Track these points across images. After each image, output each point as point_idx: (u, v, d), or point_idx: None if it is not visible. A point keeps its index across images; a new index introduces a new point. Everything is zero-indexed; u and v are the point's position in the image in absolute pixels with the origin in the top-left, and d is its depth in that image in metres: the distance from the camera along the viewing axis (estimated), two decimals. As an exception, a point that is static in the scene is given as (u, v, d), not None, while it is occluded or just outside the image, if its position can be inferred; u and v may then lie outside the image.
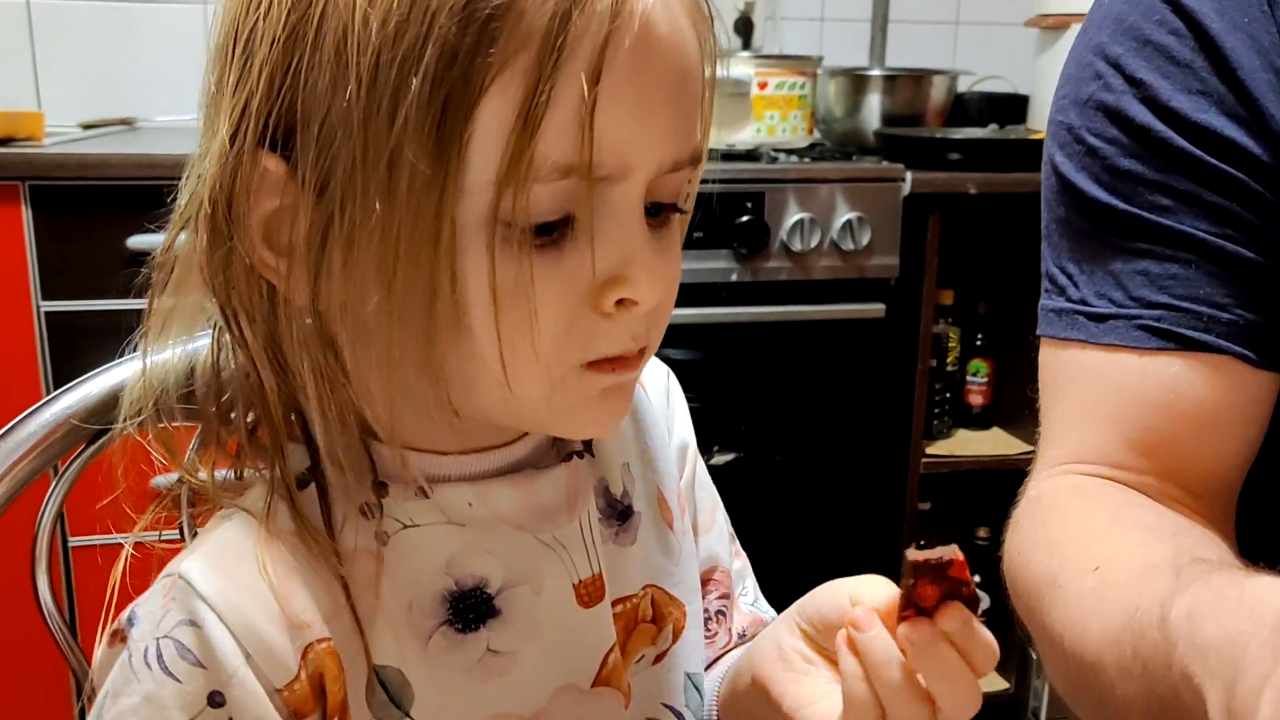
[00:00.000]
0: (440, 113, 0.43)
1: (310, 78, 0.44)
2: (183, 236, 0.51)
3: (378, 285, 0.45)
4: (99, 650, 0.51)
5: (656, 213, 0.49)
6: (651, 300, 0.48)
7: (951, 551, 0.46)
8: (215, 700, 0.47)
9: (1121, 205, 0.65)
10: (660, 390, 0.66)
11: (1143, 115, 0.64)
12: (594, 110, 0.43)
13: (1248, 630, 0.40)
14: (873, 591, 0.49)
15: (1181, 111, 0.63)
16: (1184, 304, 0.64)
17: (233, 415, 0.55)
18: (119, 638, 0.50)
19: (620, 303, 0.47)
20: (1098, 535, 0.61)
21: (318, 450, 0.51)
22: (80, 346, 1.57)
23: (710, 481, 0.69)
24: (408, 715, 0.51)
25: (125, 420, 0.55)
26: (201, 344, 0.55)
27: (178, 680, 0.47)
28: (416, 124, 0.43)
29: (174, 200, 0.51)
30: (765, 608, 0.71)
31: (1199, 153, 0.63)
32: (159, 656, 0.47)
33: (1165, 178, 0.64)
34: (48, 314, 1.56)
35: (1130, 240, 0.65)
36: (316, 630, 0.49)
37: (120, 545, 0.55)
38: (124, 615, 0.50)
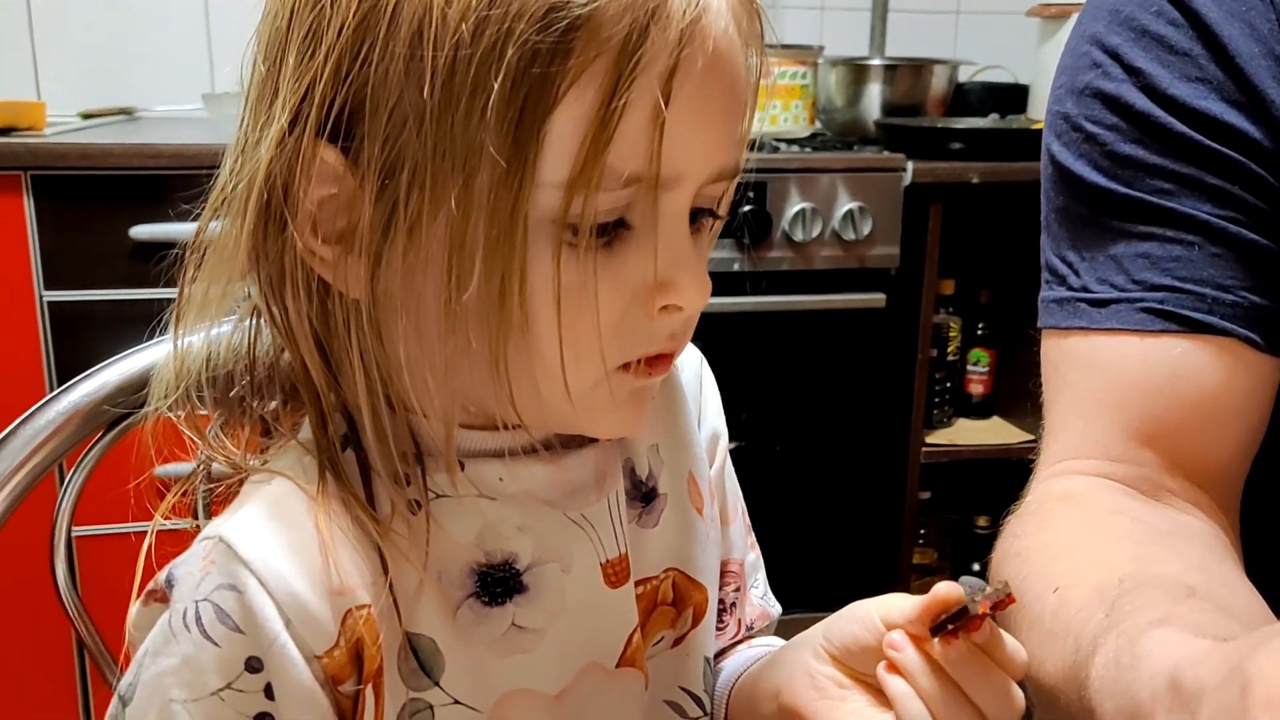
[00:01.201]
0: (519, 112, 0.43)
1: (381, 67, 0.44)
2: (214, 224, 0.51)
3: (444, 279, 0.46)
4: (133, 609, 0.52)
5: (693, 220, 0.50)
6: (696, 306, 0.50)
7: (1005, 591, 0.48)
8: (253, 665, 0.47)
9: (1122, 190, 0.65)
10: (694, 375, 0.66)
11: (1142, 102, 0.64)
12: (664, 124, 0.45)
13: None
14: (899, 607, 0.51)
15: (1181, 98, 0.63)
16: (1187, 285, 0.63)
17: (261, 398, 0.55)
18: (155, 597, 0.50)
19: (664, 307, 0.49)
20: (1067, 547, 0.61)
21: (354, 419, 0.51)
22: (83, 336, 1.57)
23: (734, 473, 0.69)
24: (438, 685, 0.52)
25: (157, 403, 0.55)
26: (224, 329, 0.55)
27: (216, 645, 0.47)
28: (496, 121, 0.43)
29: (210, 185, 0.51)
30: (773, 602, 0.72)
31: (1200, 137, 0.63)
32: (198, 619, 0.47)
33: (1166, 162, 0.64)
34: (50, 304, 1.56)
35: (1132, 224, 0.65)
36: (357, 596, 0.49)
37: (125, 534, 0.55)
38: (161, 575, 0.50)
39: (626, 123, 0.44)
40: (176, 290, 0.53)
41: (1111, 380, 0.65)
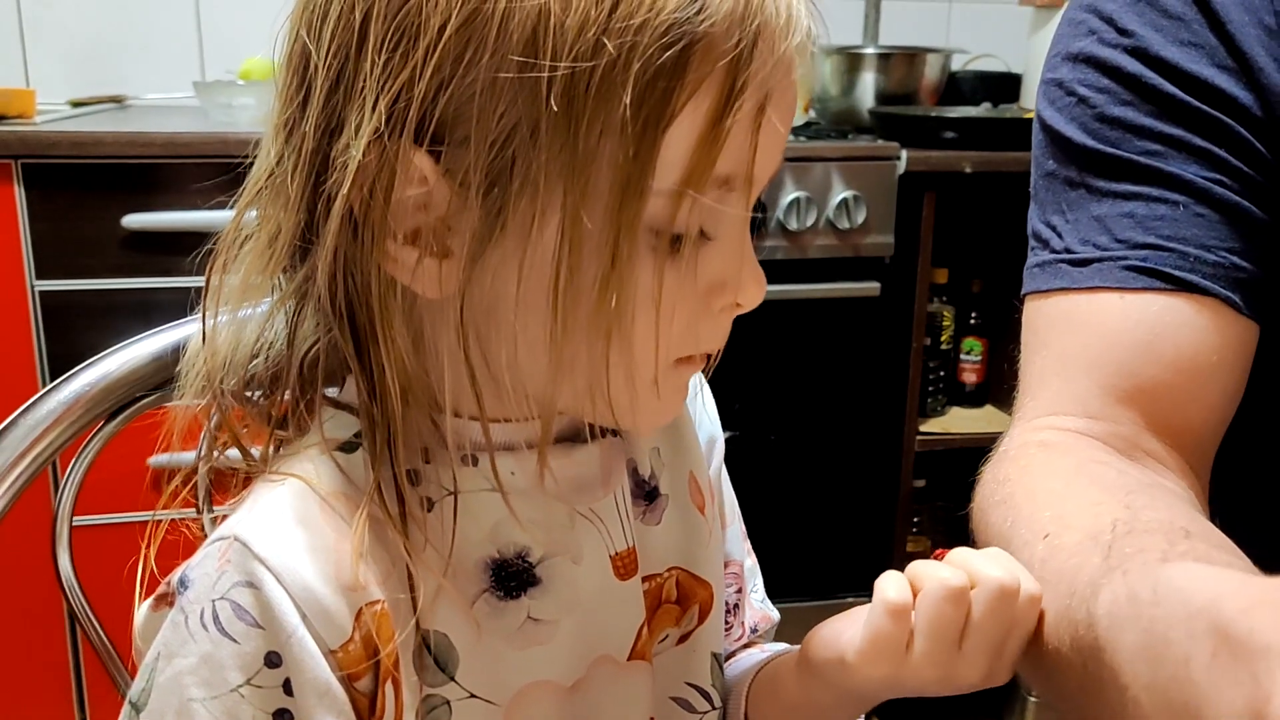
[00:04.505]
0: (643, 125, 0.44)
1: (489, 74, 0.44)
2: (251, 213, 0.51)
3: (550, 282, 0.46)
4: (141, 613, 0.52)
5: None
6: (756, 303, 0.51)
7: None
8: (272, 660, 0.47)
9: (1110, 150, 0.65)
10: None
11: (1133, 65, 0.65)
12: (760, 133, 0.47)
13: (1176, 644, 0.40)
14: None
15: (1173, 61, 0.64)
16: (1171, 244, 0.63)
17: (290, 387, 0.55)
18: (165, 601, 0.50)
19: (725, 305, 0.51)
20: (1053, 493, 0.60)
21: (372, 417, 0.51)
22: (74, 326, 1.56)
23: (729, 479, 0.70)
24: (453, 679, 0.52)
25: (186, 391, 0.55)
26: (255, 317, 0.54)
27: (235, 641, 0.47)
28: (620, 133, 0.44)
29: (245, 173, 0.51)
30: (771, 607, 0.72)
31: (1190, 99, 0.63)
32: (215, 618, 0.47)
33: (1156, 123, 0.64)
34: (42, 293, 1.55)
35: (1118, 183, 0.65)
36: (371, 592, 0.49)
37: (125, 525, 0.55)
38: (173, 578, 0.50)
39: (732, 133, 0.46)
40: (204, 277, 0.53)
41: (1091, 338, 0.65)
